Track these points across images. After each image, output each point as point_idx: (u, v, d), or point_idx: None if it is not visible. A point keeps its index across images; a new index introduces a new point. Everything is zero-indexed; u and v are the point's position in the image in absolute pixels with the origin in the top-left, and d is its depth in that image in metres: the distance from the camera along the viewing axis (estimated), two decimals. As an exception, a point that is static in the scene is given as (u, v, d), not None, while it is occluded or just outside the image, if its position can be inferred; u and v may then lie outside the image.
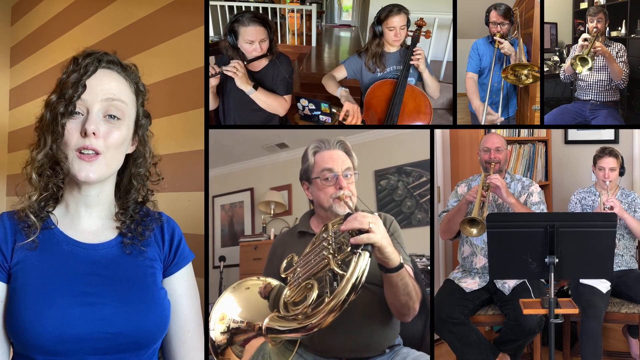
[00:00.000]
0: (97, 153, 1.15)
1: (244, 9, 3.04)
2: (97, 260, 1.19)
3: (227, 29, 2.27)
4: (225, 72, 2.23)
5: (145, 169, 1.29)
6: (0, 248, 1.15)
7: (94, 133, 1.14)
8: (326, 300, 1.37)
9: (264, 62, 2.33)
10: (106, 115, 1.17)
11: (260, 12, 3.20)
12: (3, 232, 1.17)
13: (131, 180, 1.28)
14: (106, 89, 1.18)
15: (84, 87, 1.15)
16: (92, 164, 1.15)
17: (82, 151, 1.15)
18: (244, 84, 2.24)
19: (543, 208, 2.50)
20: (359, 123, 2.25)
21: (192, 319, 1.30)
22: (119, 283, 1.18)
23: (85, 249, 1.20)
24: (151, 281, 1.23)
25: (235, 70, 2.21)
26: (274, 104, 2.31)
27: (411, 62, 2.31)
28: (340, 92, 2.31)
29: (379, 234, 1.39)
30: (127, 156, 1.26)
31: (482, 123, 2.44)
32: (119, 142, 1.19)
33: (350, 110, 2.24)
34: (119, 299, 1.16)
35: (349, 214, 1.43)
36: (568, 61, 2.46)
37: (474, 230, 2.37)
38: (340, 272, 1.38)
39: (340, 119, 2.25)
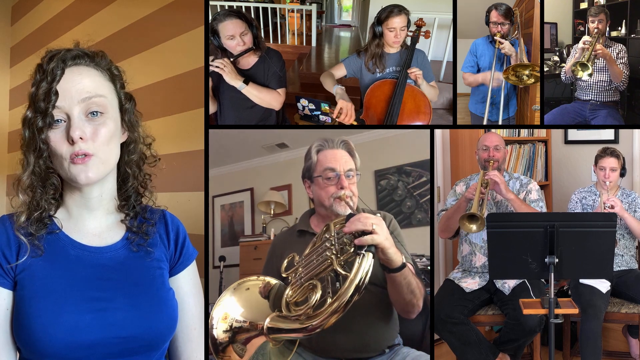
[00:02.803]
0: (89, 155, 1.12)
1: (244, 8, 3.04)
2: (105, 263, 1.17)
3: (211, 32, 2.28)
4: (213, 70, 2.23)
5: (138, 154, 1.25)
6: (4, 254, 1.12)
7: (80, 138, 1.10)
8: (329, 301, 1.37)
9: (253, 60, 2.32)
10: (88, 114, 1.13)
11: (260, 12, 3.21)
12: (5, 237, 1.14)
13: (126, 169, 1.25)
14: (80, 89, 1.12)
15: (56, 94, 1.10)
16: (87, 165, 1.11)
17: (74, 157, 1.11)
18: (233, 80, 2.24)
19: (542, 205, 2.50)
20: (352, 121, 2.23)
21: (198, 317, 1.29)
22: (129, 286, 1.17)
23: (92, 253, 1.17)
24: (160, 282, 1.22)
25: (222, 66, 2.21)
26: (267, 97, 2.30)
27: (410, 76, 2.31)
28: (336, 90, 2.31)
29: (382, 235, 1.39)
30: (122, 145, 1.22)
31: (491, 87, 2.41)
32: (108, 138, 1.15)
33: (344, 108, 2.23)
34: (130, 303, 1.15)
35: (350, 215, 1.44)
36: (569, 62, 2.46)
37: (474, 226, 2.35)
38: (344, 272, 1.38)
39: (334, 116, 2.24)
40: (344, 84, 2.74)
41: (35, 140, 1.11)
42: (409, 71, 2.31)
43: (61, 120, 1.12)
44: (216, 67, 2.23)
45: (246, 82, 2.25)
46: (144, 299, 1.17)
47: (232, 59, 2.25)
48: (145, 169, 1.28)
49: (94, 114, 1.13)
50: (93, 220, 1.21)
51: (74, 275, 1.14)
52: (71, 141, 1.10)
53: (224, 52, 2.28)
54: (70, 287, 1.12)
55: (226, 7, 3.07)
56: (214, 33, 2.26)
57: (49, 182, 1.14)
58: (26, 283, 1.11)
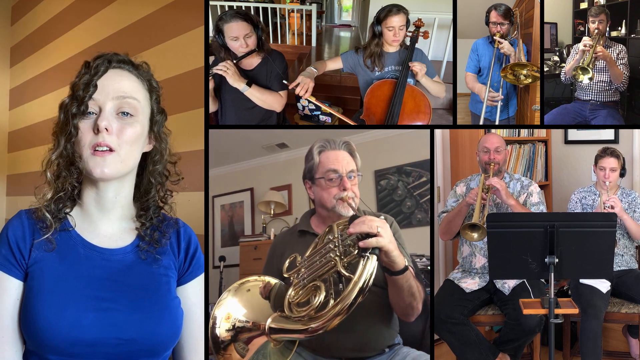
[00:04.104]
0: (111, 150, 1.16)
1: (244, 9, 3.05)
2: (112, 265, 1.20)
3: (215, 30, 2.28)
4: (216, 72, 2.23)
5: (162, 166, 1.29)
6: (19, 246, 1.16)
7: (106, 129, 1.15)
8: (331, 302, 1.38)
9: (256, 61, 2.32)
10: (119, 112, 1.18)
11: (260, 12, 3.21)
12: (21, 230, 1.17)
13: (150, 179, 1.28)
14: (117, 88, 1.19)
15: (95, 86, 1.17)
16: (105, 159, 1.16)
17: (97, 148, 1.15)
18: (236, 82, 2.23)
19: (542, 208, 2.50)
20: (308, 96, 2.25)
21: (204, 327, 1.30)
22: (133, 290, 1.18)
23: (101, 254, 1.20)
24: (165, 290, 1.23)
25: (225, 69, 2.21)
26: (269, 99, 2.30)
27: (411, 69, 2.32)
28: (306, 69, 2.31)
29: (386, 238, 1.40)
30: (145, 155, 1.26)
31: (485, 102, 2.42)
32: (133, 139, 1.19)
33: (301, 82, 2.24)
34: (132, 306, 1.16)
35: (354, 216, 1.44)
36: (569, 63, 2.46)
37: (475, 235, 2.37)
38: (347, 274, 1.38)
39: (290, 87, 2.25)
40: (344, 82, 2.74)
41: (67, 124, 1.16)
42: (410, 64, 2.31)
43: (93, 112, 1.17)
44: (219, 70, 2.22)
45: (249, 84, 2.25)
46: (147, 303, 1.18)
47: (235, 61, 2.25)
48: (167, 185, 1.32)
49: (124, 114, 1.19)
50: (106, 222, 1.23)
51: (82, 274, 1.16)
52: (96, 130, 1.15)
53: (227, 51, 2.28)
54: (77, 284, 1.15)
55: (226, 8, 3.08)
56: (219, 32, 2.26)
57: (74, 166, 1.17)
58: (36, 275, 1.15)
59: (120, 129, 1.17)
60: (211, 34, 2.33)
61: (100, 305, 1.14)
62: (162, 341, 1.19)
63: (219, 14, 2.49)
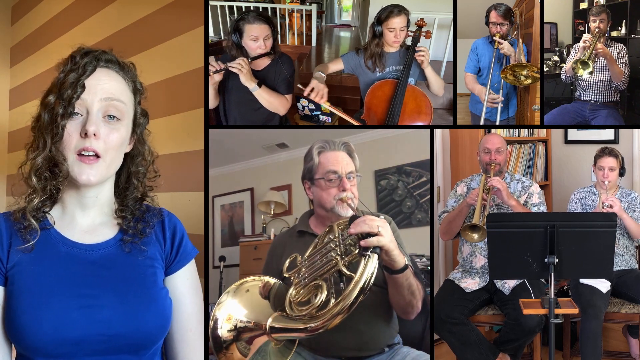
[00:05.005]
0: (97, 155, 1.14)
1: (244, 9, 3.05)
2: (95, 260, 1.17)
3: (232, 28, 2.30)
4: (230, 69, 2.24)
5: (144, 167, 1.28)
6: None
7: (94, 134, 1.13)
8: (332, 302, 1.38)
9: (266, 62, 2.34)
10: (105, 115, 1.16)
11: (261, 11, 3.21)
12: None
13: (130, 178, 1.27)
14: (105, 89, 1.16)
15: (83, 87, 1.13)
16: (92, 167, 1.14)
17: (83, 153, 1.13)
18: (248, 81, 2.25)
19: (543, 209, 2.50)
20: (323, 102, 2.26)
21: (195, 318, 1.27)
22: (118, 284, 1.16)
23: (83, 250, 1.18)
24: (151, 281, 1.20)
25: (240, 67, 2.23)
26: (275, 102, 2.32)
27: (416, 57, 2.31)
28: (315, 75, 2.32)
29: (387, 237, 1.41)
30: (125, 154, 1.25)
31: (485, 104, 2.42)
32: (119, 144, 1.18)
33: (315, 88, 2.25)
34: (118, 300, 1.14)
35: (354, 217, 1.44)
36: (569, 62, 2.46)
37: (475, 236, 2.37)
38: (349, 273, 1.39)
39: (305, 94, 2.26)
40: (344, 82, 2.74)
41: (53, 124, 1.13)
42: (417, 48, 2.31)
43: (79, 113, 1.14)
44: (233, 67, 2.23)
45: (259, 84, 2.26)
46: (132, 297, 1.16)
47: (249, 60, 2.26)
48: (145, 182, 1.30)
49: (110, 117, 1.16)
50: (86, 217, 1.22)
51: (63, 272, 1.14)
52: (84, 135, 1.13)
53: (240, 50, 2.29)
54: (59, 283, 1.12)
55: (226, 8, 3.08)
56: (236, 31, 2.28)
57: (58, 168, 1.14)
58: (16, 279, 1.12)
59: (107, 133, 1.15)
60: (212, 33, 2.33)
61: (84, 302, 1.12)
62: (150, 334, 1.17)
63: (234, 14, 2.48)
